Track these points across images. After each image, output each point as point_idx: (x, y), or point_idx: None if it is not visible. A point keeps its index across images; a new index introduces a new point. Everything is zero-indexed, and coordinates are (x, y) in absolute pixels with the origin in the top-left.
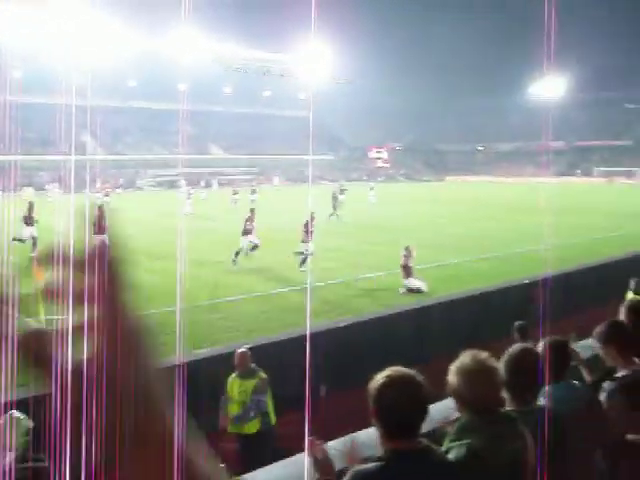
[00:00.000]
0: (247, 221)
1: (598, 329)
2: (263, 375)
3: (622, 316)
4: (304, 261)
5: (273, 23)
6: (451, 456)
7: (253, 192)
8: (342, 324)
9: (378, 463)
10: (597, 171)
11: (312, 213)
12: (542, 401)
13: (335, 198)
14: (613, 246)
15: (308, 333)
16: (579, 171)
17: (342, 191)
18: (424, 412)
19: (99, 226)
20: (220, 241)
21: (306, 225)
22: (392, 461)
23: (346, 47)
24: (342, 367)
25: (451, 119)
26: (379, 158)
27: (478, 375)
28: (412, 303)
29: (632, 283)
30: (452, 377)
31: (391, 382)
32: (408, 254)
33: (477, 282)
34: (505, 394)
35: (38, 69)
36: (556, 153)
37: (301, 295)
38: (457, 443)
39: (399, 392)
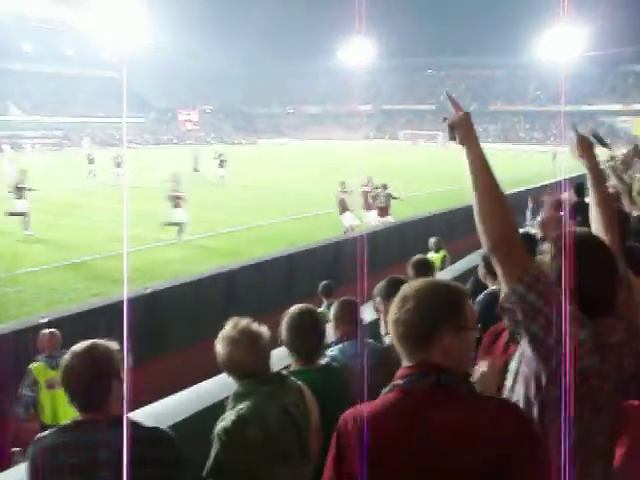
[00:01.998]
0: (341, 197)
1: (379, 286)
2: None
3: (409, 272)
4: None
5: None
6: (221, 424)
7: (118, 165)
8: (149, 290)
9: (56, 431)
10: (403, 134)
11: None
12: (326, 359)
13: (196, 160)
14: (415, 206)
15: (125, 300)
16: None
17: (222, 162)
18: (101, 384)
19: None
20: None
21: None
22: (68, 430)
23: (154, 7)
24: (149, 335)
25: (260, 82)
26: (189, 121)
27: (239, 341)
28: (221, 266)
29: (431, 241)
30: (217, 347)
31: (73, 356)
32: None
33: (286, 243)
34: (289, 354)
35: None
36: (365, 116)
37: (107, 263)
38: (230, 412)
39: (78, 365)
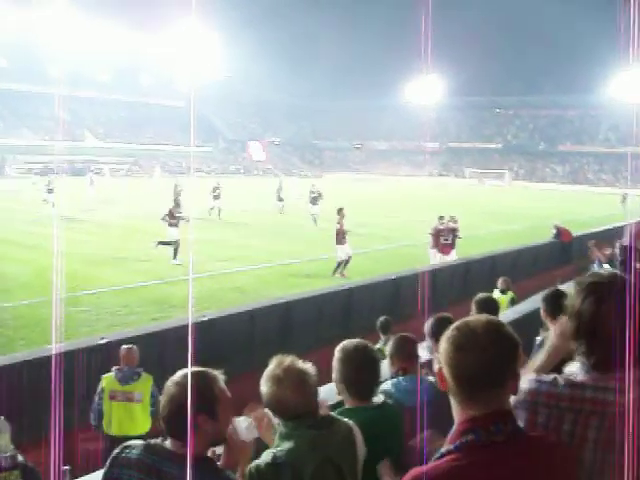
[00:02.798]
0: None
1: (427, 324)
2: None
3: (473, 310)
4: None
5: (153, 7)
6: (256, 462)
7: (216, 197)
8: (207, 317)
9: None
10: (469, 172)
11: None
12: (381, 397)
13: (280, 189)
14: (479, 244)
15: (190, 324)
16: (441, 172)
17: (315, 199)
18: (178, 417)
19: None
20: (99, 233)
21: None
22: (148, 451)
23: (229, 38)
24: (207, 362)
25: (328, 116)
26: (257, 152)
27: (284, 381)
28: (278, 297)
29: (499, 281)
30: (262, 386)
31: (168, 381)
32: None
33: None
34: (342, 390)
35: None
36: (431, 153)
37: (170, 288)
38: (268, 451)
39: (165, 393)
